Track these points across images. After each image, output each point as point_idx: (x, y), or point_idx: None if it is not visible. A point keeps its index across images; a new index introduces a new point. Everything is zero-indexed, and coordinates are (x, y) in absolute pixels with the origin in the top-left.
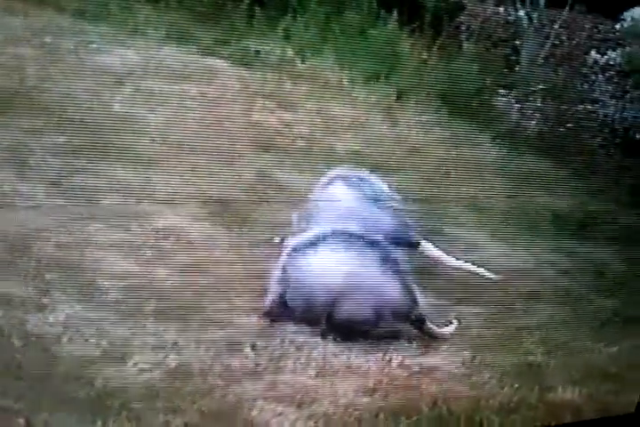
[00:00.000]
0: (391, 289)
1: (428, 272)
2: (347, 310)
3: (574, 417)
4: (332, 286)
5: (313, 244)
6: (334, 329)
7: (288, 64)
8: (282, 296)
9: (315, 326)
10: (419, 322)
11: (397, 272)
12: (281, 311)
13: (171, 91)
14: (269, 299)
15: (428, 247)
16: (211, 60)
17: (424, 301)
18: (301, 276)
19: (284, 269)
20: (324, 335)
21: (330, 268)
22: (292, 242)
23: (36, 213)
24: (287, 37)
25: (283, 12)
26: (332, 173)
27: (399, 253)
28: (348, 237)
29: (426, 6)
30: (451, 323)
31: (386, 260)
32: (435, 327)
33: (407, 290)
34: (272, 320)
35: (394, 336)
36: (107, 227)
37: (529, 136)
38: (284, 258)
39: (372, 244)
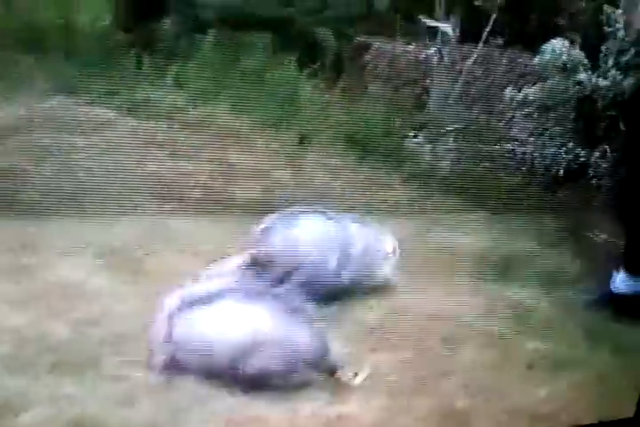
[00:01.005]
0: (301, 338)
1: (339, 319)
2: (257, 364)
3: None
4: (235, 341)
5: (208, 299)
6: (242, 383)
7: (180, 112)
8: (173, 357)
9: (217, 379)
10: (331, 370)
11: (307, 320)
12: (176, 370)
13: (58, 143)
14: (158, 360)
15: None
16: (100, 111)
17: (336, 348)
18: (195, 334)
19: (171, 327)
20: (226, 387)
21: (231, 324)
22: (176, 298)
23: None
24: (178, 84)
25: (172, 58)
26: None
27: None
28: (247, 293)
29: (327, 46)
30: (358, 373)
31: (294, 310)
32: (347, 375)
33: (318, 337)
34: (170, 374)
35: (302, 385)
36: None
37: (443, 177)
38: (167, 315)
39: (276, 296)
